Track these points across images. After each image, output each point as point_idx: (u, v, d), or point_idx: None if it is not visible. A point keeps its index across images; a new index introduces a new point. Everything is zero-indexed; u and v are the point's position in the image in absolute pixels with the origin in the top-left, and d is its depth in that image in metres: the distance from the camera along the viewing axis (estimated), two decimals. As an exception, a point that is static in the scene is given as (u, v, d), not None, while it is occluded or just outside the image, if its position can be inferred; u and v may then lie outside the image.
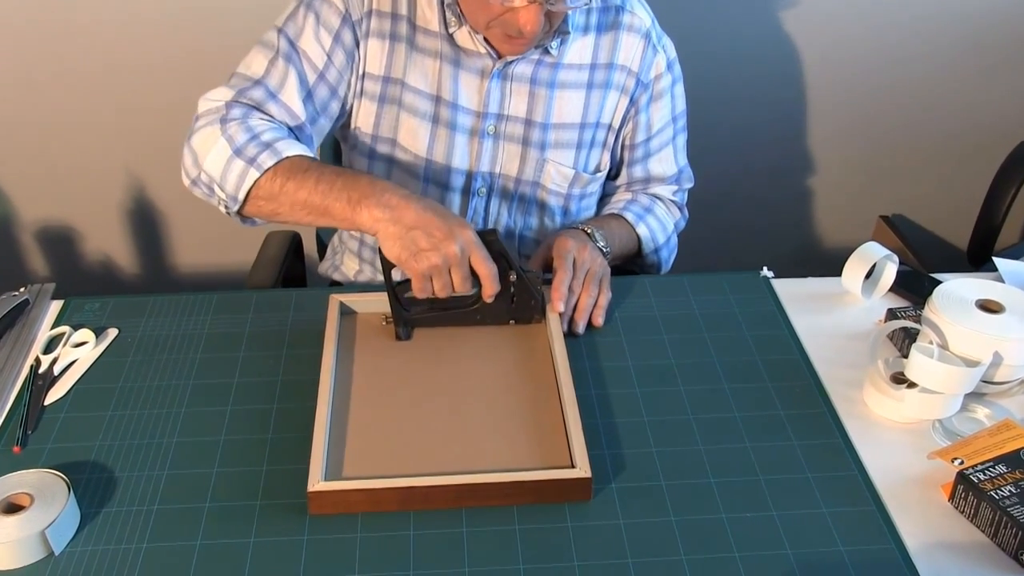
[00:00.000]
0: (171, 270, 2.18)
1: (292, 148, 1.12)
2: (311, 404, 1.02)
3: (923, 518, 0.93)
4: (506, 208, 1.36)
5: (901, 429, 1.05)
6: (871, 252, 1.23)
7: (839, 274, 1.25)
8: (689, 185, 1.45)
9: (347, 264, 1.47)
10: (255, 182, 1.11)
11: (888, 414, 1.06)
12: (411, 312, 1.12)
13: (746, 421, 1.05)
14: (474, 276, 1.07)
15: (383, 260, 1.07)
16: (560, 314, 1.14)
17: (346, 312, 1.19)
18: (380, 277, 1.28)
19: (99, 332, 1.18)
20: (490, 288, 1.08)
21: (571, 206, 1.38)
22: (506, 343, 1.14)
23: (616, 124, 1.33)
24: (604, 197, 1.45)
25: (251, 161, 1.11)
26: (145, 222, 2.11)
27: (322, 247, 1.64)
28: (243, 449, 1.01)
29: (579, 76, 1.28)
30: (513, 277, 1.11)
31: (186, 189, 1.18)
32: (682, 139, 1.41)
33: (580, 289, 1.17)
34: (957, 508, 0.94)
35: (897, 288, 1.26)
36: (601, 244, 1.26)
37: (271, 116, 1.18)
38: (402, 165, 1.32)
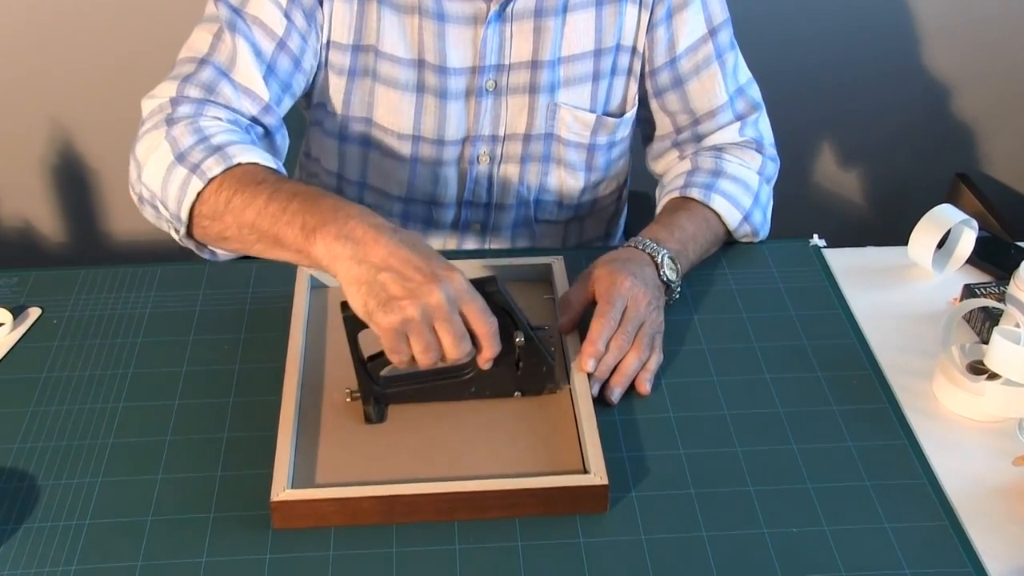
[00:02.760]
0: (105, 238, 2.18)
1: (248, 153, 1.05)
2: (275, 397, 1.03)
3: (1007, 537, 0.94)
4: (516, 173, 1.34)
5: (980, 429, 1.05)
6: (944, 216, 1.23)
7: (905, 243, 1.25)
8: (756, 114, 1.34)
9: None
10: (198, 194, 1.04)
11: (964, 411, 1.06)
12: (383, 386, 1.02)
13: (792, 418, 1.05)
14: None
15: (347, 317, 0.96)
16: (589, 375, 1.06)
17: (316, 287, 1.19)
18: None
19: (17, 312, 1.18)
20: (489, 350, 0.96)
21: (596, 159, 1.36)
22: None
23: (640, 46, 1.29)
24: (655, 159, 1.40)
25: (194, 168, 1.04)
26: (73, 180, 2.10)
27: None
28: (194, 451, 1.01)
29: None
30: (520, 339, 1.00)
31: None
32: (732, 57, 1.31)
33: (628, 347, 1.08)
34: (1046, 523, 0.94)
35: (976, 260, 1.26)
36: (668, 275, 1.16)
37: (227, 103, 1.14)
38: (382, 147, 1.30)
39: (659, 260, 1.16)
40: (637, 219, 1.36)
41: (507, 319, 0.98)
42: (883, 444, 1.02)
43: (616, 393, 1.07)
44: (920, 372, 1.10)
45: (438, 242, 1.40)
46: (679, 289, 1.19)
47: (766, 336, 1.16)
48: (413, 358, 0.95)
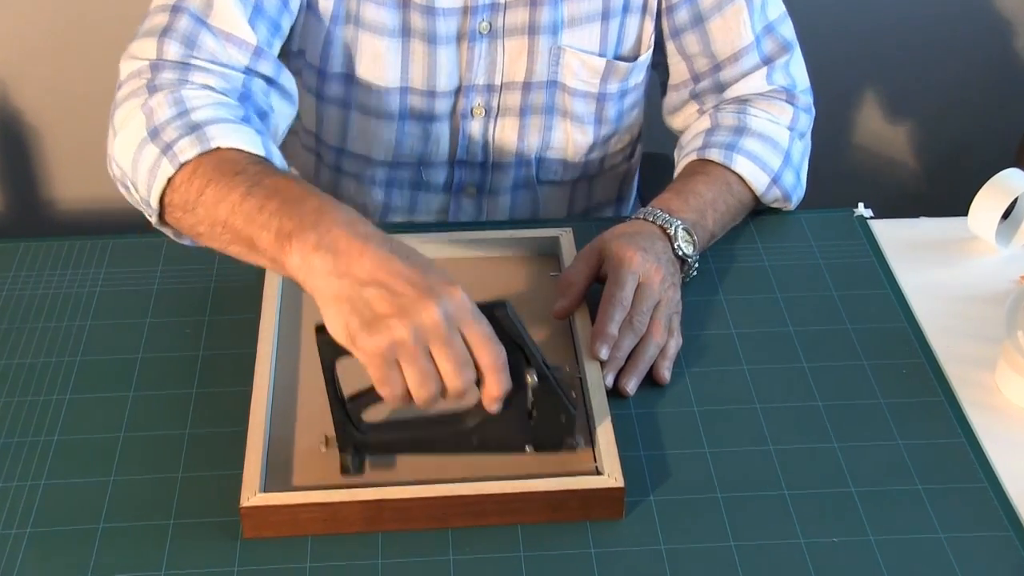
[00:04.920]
0: (48, 206, 2.18)
1: (231, 136, 1.02)
2: (245, 388, 1.03)
3: (1077, 546, 0.94)
4: (515, 128, 1.34)
5: (1047, 424, 1.05)
6: (1011, 183, 1.23)
7: (964, 213, 1.25)
8: (787, 56, 1.31)
9: None
10: (168, 180, 1.01)
11: (1029, 404, 1.06)
12: (365, 432, 0.96)
13: (833, 412, 1.06)
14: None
15: (322, 341, 0.91)
16: (602, 363, 1.06)
17: (289, 264, 1.19)
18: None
19: (-49, 290, 1.19)
20: (496, 386, 0.90)
21: (607, 110, 1.36)
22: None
23: None
24: (672, 113, 1.39)
25: (166, 149, 1.01)
26: (10, 141, 2.10)
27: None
28: (151, 450, 1.02)
29: None
30: (532, 378, 0.94)
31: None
32: None
33: (643, 330, 1.09)
34: (1122, 532, 0.95)
35: (1045, 233, 1.26)
36: (683, 248, 1.16)
37: (212, 57, 1.11)
38: (366, 106, 1.30)
39: (672, 232, 1.16)
40: (654, 183, 1.36)
41: (518, 354, 0.92)
42: (938, 442, 1.03)
43: (632, 383, 1.07)
44: (981, 361, 1.11)
45: (429, 209, 1.40)
46: (696, 264, 1.19)
47: (804, 319, 1.16)
48: (408, 394, 0.89)
